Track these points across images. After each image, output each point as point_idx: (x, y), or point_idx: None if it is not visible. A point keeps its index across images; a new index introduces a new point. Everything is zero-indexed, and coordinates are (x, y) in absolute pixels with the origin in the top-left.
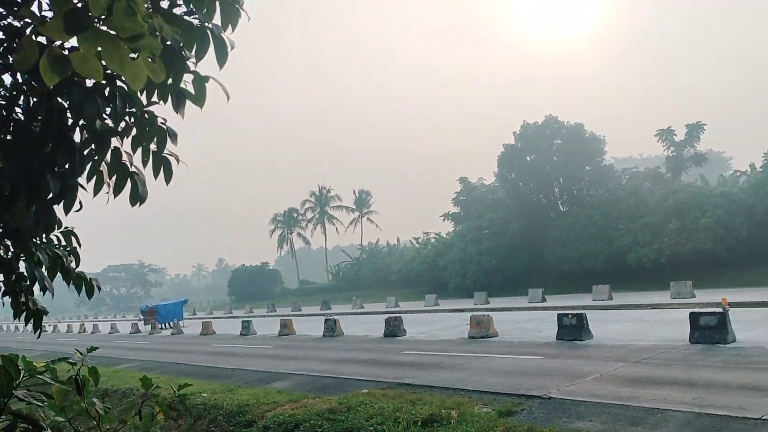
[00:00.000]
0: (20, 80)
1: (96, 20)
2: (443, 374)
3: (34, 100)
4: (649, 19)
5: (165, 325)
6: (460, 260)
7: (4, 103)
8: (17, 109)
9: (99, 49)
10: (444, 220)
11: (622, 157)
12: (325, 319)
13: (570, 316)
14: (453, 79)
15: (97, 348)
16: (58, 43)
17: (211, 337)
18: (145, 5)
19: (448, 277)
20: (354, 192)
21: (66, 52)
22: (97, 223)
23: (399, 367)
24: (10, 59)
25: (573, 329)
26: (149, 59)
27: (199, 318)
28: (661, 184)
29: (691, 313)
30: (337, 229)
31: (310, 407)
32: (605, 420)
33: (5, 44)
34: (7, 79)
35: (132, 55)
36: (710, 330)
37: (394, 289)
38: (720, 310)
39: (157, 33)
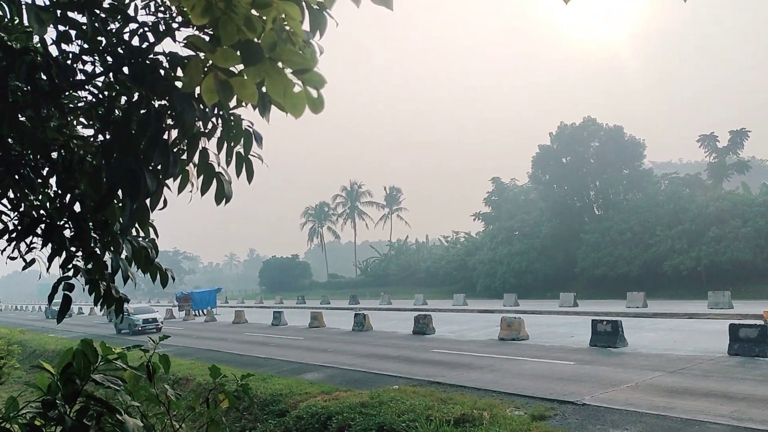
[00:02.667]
0: (115, 81)
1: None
2: (474, 375)
3: (133, 100)
4: (691, 19)
5: (198, 312)
6: (490, 261)
7: (104, 103)
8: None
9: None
10: (474, 219)
11: (661, 161)
12: (355, 314)
13: (604, 322)
14: (489, 78)
15: (169, 336)
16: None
17: (244, 326)
18: (302, 39)
19: (477, 277)
20: (385, 188)
21: (227, 78)
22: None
23: (429, 365)
24: (109, 60)
25: (607, 336)
26: (312, 92)
27: (231, 306)
28: (702, 191)
29: (731, 325)
30: (366, 224)
31: (342, 400)
32: (641, 429)
33: (105, 48)
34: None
35: (296, 82)
36: (750, 342)
37: (421, 287)
38: (761, 322)
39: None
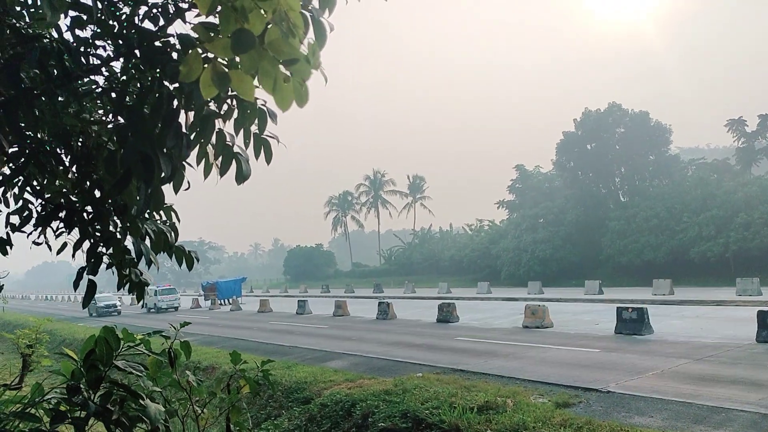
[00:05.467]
0: (130, 65)
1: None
2: (497, 362)
3: (146, 85)
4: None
5: (224, 301)
6: (514, 249)
7: (118, 88)
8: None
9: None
10: (498, 207)
11: (688, 147)
12: (379, 302)
13: (630, 309)
14: (513, 63)
15: (189, 323)
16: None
17: (268, 315)
18: (302, 30)
19: (501, 265)
20: (408, 177)
21: (226, 69)
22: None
23: (452, 352)
24: (121, 44)
25: (633, 323)
26: (299, 83)
27: (256, 296)
28: (730, 177)
29: (759, 312)
30: (390, 213)
31: (366, 387)
32: (667, 417)
33: (117, 32)
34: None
35: (285, 71)
36: None
37: (445, 275)
38: None
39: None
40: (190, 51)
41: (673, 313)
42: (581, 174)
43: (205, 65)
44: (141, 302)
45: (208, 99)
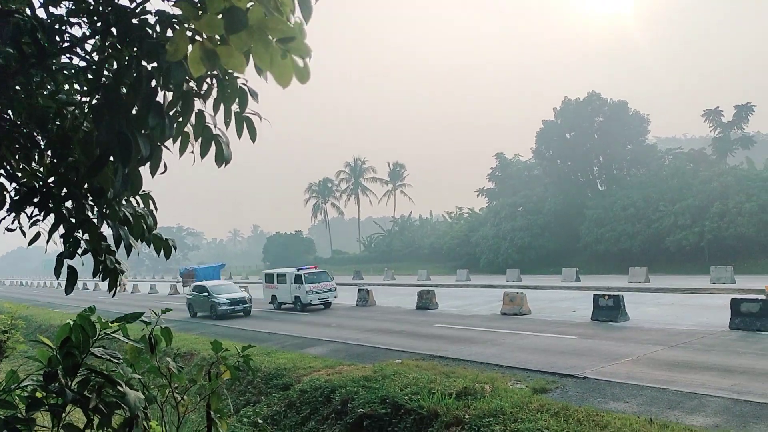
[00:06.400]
0: (107, 44)
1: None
2: (476, 349)
3: (123, 63)
4: None
5: None
6: (493, 236)
7: (93, 67)
8: (105, 73)
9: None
10: (478, 195)
11: (665, 136)
12: (359, 289)
13: (606, 297)
14: (493, 52)
15: (171, 310)
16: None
17: None
18: (289, 8)
19: (480, 252)
20: (388, 164)
21: (214, 47)
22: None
23: (432, 339)
24: (98, 23)
25: (609, 310)
26: (298, 60)
27: (235, 282)
28: (706, 166)
29: (733, 299)
30: (370, 200)
31: (345, 374)
32: (641, 402)
33: (92, 9)
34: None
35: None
36: (752, 317)
37: (425, 263)
38: (762, 297)
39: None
40: (176, 29)
41: (649, 301)
42: (560, 163)
43: (191, 43)
44: (270, 301)
45: (187, 77)
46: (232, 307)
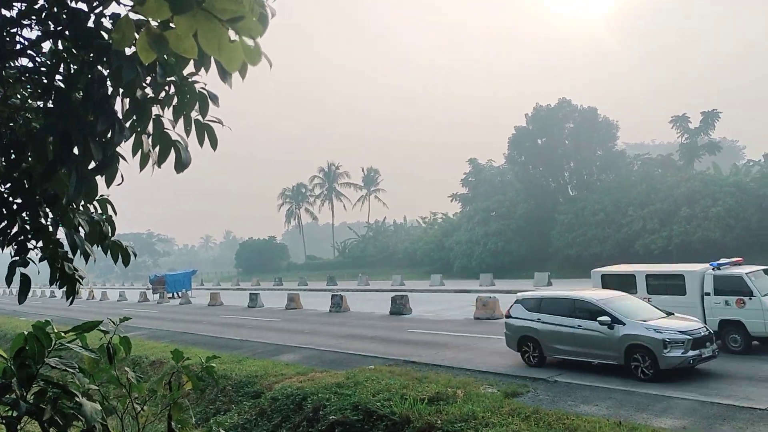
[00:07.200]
0: (61, 47)
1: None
2: (449, 354)
3: (75, 67)
4: (668, 2)
5: (174, 295)
6: (467, 241)
7: (45, 70)
8: (58, 77)
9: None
10: (452, 200)
11: (634, 142)
12: (332, 295)
13: None
14: (465, 58)
15: (130, 318)
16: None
17: (219, 308)
18: None
19: (454, 257)
20: (362, 169)
21: (161, 32)
22: (105, 191)
23: (405, 345)
24: (51, 26)
25: None
26: (248, 42)
27: (207, 289)
28: (674, 172)
29: None
30: (344, 205)
31: (317, 381)
32: (611, 405)
33: (46, 12)
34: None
35: (233, 36)
36: None
37: (399, 268)
38: None
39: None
40: (122, 17)
41: None
42: (532, 168)
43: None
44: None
45: (140, 79)
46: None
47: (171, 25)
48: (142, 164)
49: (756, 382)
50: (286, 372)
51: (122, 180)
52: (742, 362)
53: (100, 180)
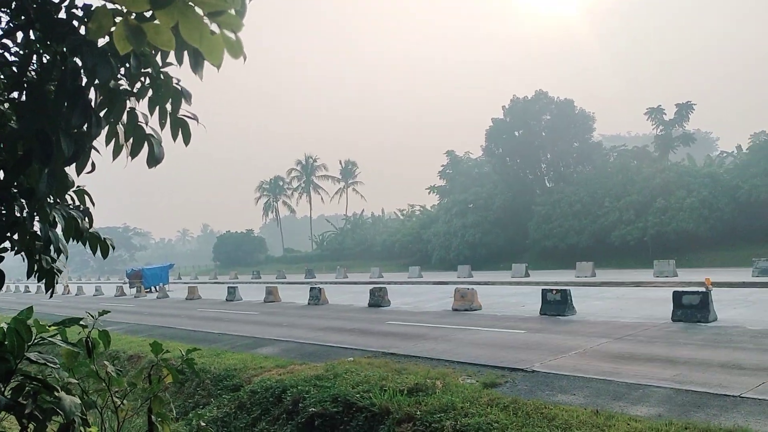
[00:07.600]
0: (33, 38)
1: None
2: (428, 345)
3: (48, 59)
4: None
5: (151, 289)
6: (445, 233)
7: (17, 61)
8: (31, 69)
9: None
10: (429, 193)
11: (610, 134)
12: (311, 288)
13: (554, 291)
14: (443, 51)
15: (109, 312)
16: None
17: (197, 302)
18: None
19: (432, 249)
20: (340, 162)
21: (139, 24)
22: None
23: (384, 336)
24: (23, 18)
25: (557, 305)
26: (230, 35)
27: (184, 282)
28: (649, 163)
29: (675, 292)
30: (322, 198)
31: (296, 373)
32: (588, 394)
33: (15, 3)
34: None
35: (214, 29)
36: (692, 309)
37: (377, 260)
38: (703, 289)
39: None
40: (99, 7)
41: (595, 294)
42: (509, 160)
43: (116, 21)
44: None
45: (115, 74)
46: None
47: (146, 14)
48: (115, 154)
49: (729, 369)
50: (266, 365)
51: (93, 168)
52: (715, 350)
53: (71, 169)
